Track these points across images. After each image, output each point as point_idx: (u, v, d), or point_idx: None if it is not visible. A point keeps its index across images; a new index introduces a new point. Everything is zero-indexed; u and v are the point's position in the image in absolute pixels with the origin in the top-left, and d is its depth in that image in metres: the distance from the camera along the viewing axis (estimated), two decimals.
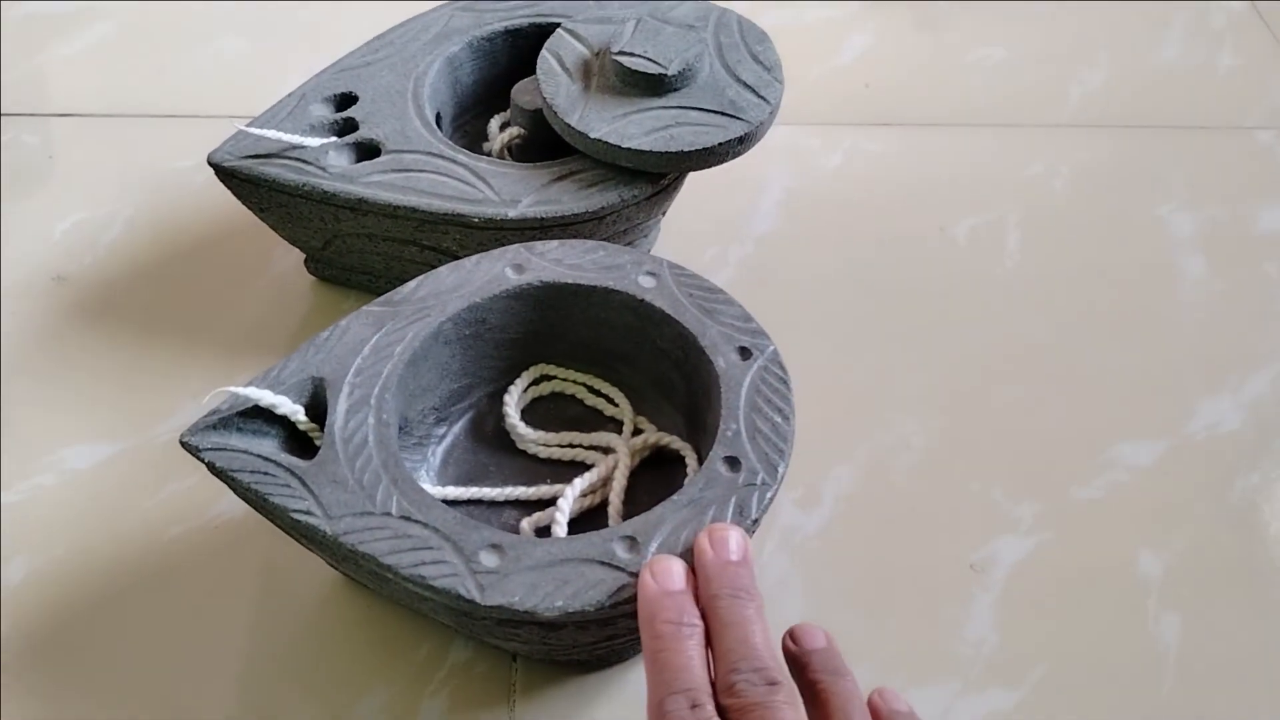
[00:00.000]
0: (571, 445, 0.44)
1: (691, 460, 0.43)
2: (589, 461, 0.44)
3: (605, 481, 0.43)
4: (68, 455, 0.49)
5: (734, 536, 0.35)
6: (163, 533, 0.46)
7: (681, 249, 0.57)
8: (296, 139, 0.48)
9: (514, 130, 0.52)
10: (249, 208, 0.51)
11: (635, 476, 0.43)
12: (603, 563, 0.35)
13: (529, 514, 0.42)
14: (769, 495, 0.37)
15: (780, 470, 0.38)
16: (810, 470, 0.48)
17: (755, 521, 0.37)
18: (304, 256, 0.55)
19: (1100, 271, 0.58)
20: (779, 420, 0.39)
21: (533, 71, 0.53)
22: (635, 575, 0.35)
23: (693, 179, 0.52)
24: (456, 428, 0.45)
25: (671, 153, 0.47)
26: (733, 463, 0.38)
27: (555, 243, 0.45)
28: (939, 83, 0.68)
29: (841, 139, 0.64)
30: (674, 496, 0.37)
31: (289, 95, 0.51)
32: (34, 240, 0.57)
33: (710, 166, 0.48)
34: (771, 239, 0.59)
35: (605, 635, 0.37)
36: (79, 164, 0.61)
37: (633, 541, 0.36)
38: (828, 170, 0.63)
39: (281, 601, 0.45)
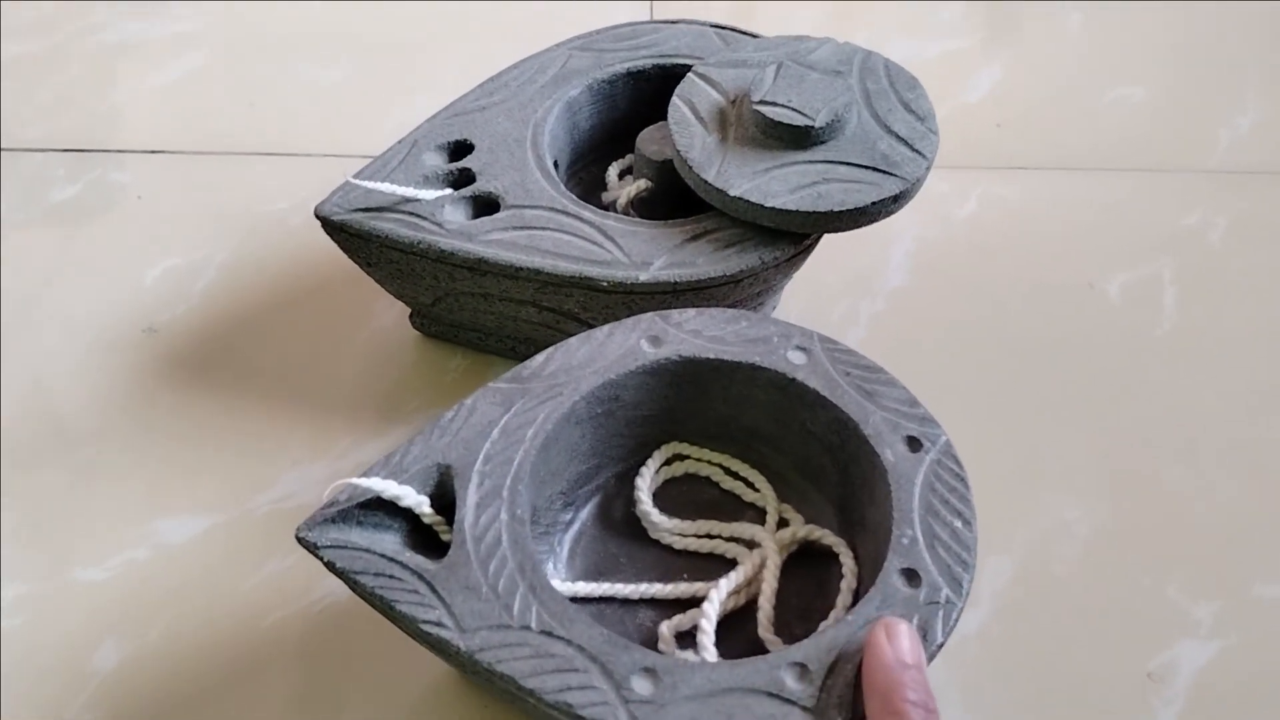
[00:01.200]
0: (710, 536, 0.40)
1: (847, 559, 0.38)
2: (728, 555, 0.40)
3: (750, 581, 0.39)
4: (161, 528, 0.46)
5: (911, 636, 0.32)
6: (262, 617, 0.43)
7: (809, 306, 0.53)
8: (410, 191, 0.45)
9: (641, 183, 0.48)
10: (355, 261, 0.48)
11: (781, 575, 0.39)
12: (771, 694, 0.31)
13: (666, 614, 0.38)
14: (954, 615, 0.33)
15: (965, 585, 0.34)
16: None
17: (940, 646, 0.33)
18: (409, 310, 0.51)
19: (1271, 331, 0.53)
20: (959, 526, 0.35)
21: (654, 116, 0.49)
22: (807, 710, 0.31)
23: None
24: (583, 514, 0.41)
25: (820, 213, 0.42)
26: (911, 576, 0.34)
27: (693, 312, 0.41)
28: (1076, 123, 0.63)
29: (974, 184, 0.60)
30: (847, 617, 0.33)
31: (400, 142, 0.48)
32: (124, 288, 0.54)
33: (860, 226, 0.44)
34: (904, 294, 0.54)
35: None
36: (169, 204, 0.58)
37: (804, 669, 0.32)
38: (961, 218, 0.58)
39: (390, 697, 0.41)
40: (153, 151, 0.61)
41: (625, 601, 0.39)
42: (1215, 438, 0.49)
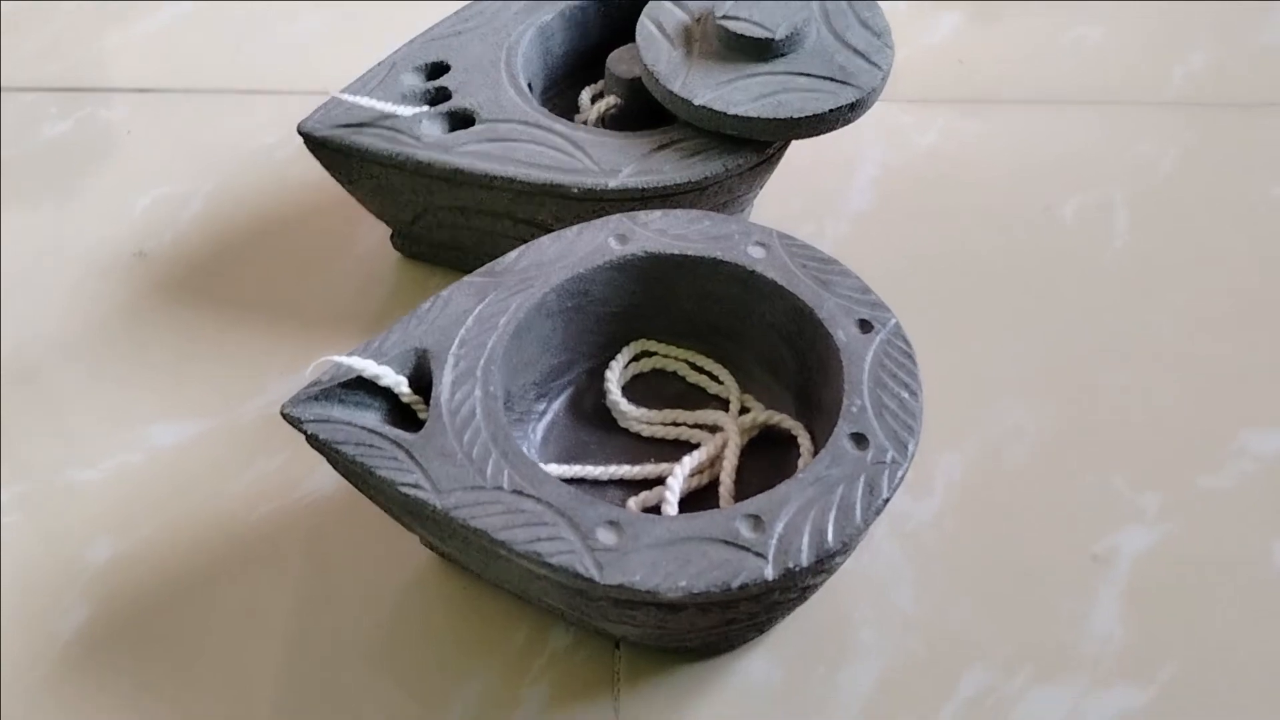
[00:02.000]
0: (676, 424, 0.43)
1: (805, 440, 0.41)
2: (694, 440, 0.42)
3: (714, 461, 0.41)
4: (153, 432, 0.48)
5: None
6: (250, 511, 0.45)
7: (776, 226, 0.55)
8: (390, 107, 0.47)
9: (610, 99, 0.50)
10: (337, 180, 0.50)
11: (742, 458, 0.41)
12: (727, 542, 0.34)
13: (634, 494, 0.41)
14: (900, 474, 0.35)
15: (910, 448, 0.36)
16: (918, 456, 0.46)
17: (886, 500, 0.35)
18: (390, 233, 0.53)
19: (1216, 253, 0.55)
20: (906, 396, 0.37)
21: (625, 44, 0.51)
22: (761, 554, 0.33)
23: (784, 156, 0.50)
24: (557, 404, 0.43)
25: (780, 119, 0.45)
26: (860, 440, 0.36)
27: (659, 212, 0.43)
28: (1035, 62, 0.65)
29: (935, 117, 0.62)
30: (799, 474, 0.35)
31: (378, 64, 0.50)
32: (114, 217, 0.56)
33: (820, 134, 0.46)
34: (868, 217, 0.57)
35: (725, 619, 0.35)
36: (158, 140, 0.60)
37: (757, 520, 0.34)
38: (923, 148, 0.60)
39: (373, 583, 0.43)
40: (142, 90, 0.63)
41: (595, 483, 0.41)
42: (1159, 347, 0.51)
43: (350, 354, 0.38)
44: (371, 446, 0.36)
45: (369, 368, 0.37)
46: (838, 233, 0.56)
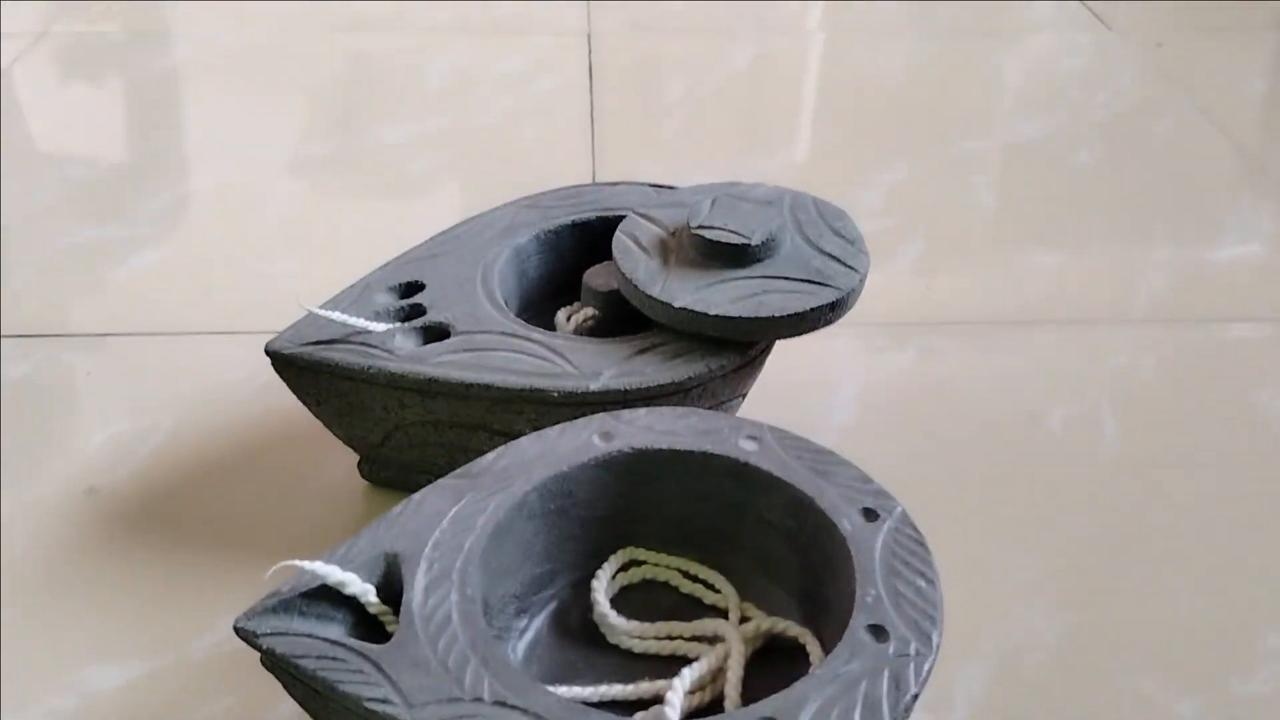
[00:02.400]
0: (672, 637, 0.39)
1: (814, 649, 0.37)
2: (693, 655, 0.38)
3: (715, 675, 0.37)
4: (88, 675, 0.43)
5: None
6: None
7: None
8: (362, 323, 0.46)
9: (587, 311, 0.49)
10: (304, 402, 0.48)
11: (745, 672, 0.37)
12: None
13: (629, 717, 0.36)
14: (926, 667, 0.32)
15: (934, 639, 0.33)
16: (934, 669, 0.42)
17: (914, 697, 0.31)
18: (357, 460, 0.51)
19: (1209, 458, 0.54)
20: (923, 584, 0.34)
21: (601, 262, 0.51)
22: None
23: (762, 379, 0.50)
24: (538, 621, 0.39)
25: (761, 319, 0.44)
26: (878, 631, 0.33)
27: (644, 410, 0.41)
28: (1000, 286, 0.67)
29: (910, 337, 0.62)
30: (817, 671, 0.32)
31: (350, 286, 0.49)
32: (67, 454, 0.53)
33: (801, 334, 0.45)
34: (855, 432, 0.55)
35: None
36: (120, 379, 0.58)
37: None
38: (902, 366, 0.60)
39: None
40: (105, 334, 0.62)
41: (586, 705, 0.37)
42: (1168, 550, 0.49)
43: (313, 560, 0.35)
44: (334, 659, 0.32)
45: (333, 574, 0.34)
46: (825, 443, 0.54)
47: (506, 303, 0.51)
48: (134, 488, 0.52)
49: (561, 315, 0.52)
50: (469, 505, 0.37)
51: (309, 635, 0.33)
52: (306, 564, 0.34)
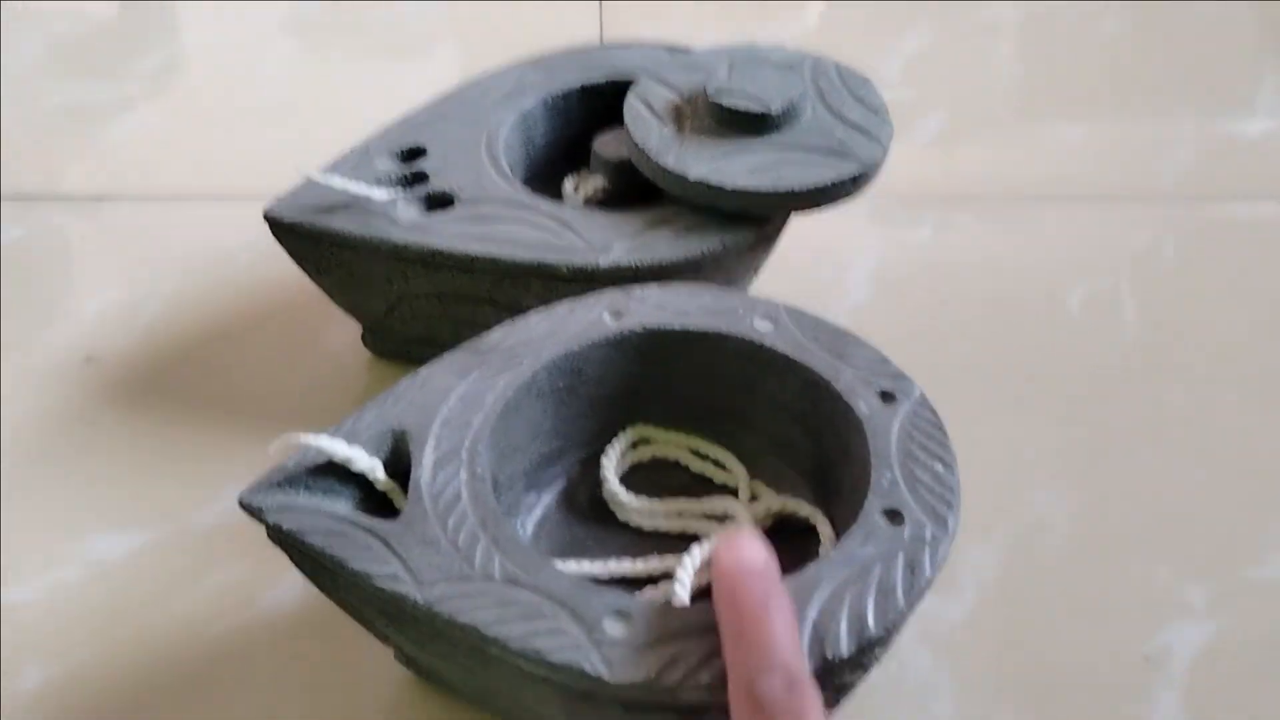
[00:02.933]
0: (681, 514, 0.38)
1: (825, 528, 0.37)
2: (702, 532, 0.38)
3: None
4: (94, 545, 0.43)
5: (754, 544, 0.30)
6: (203, 630, 0.40)
7: None
8: (363, 189, 0.44)
9: (596, 181, 0.47)
10: (306, 271, 0.46)
11: None
12: None
13: (638, 592, 0.36)
14: (942, 550, 0.31)
15: (951, 524, 0.32)
16: None
17: (930, 580, 0.31)
18: (361, 330, 0.50)
19: (1228, 342, 0.53)
20: (940, 469, 0.34)
21: (611, 129, 0.49)
22: None
23: (775, 252, 0.48)
24: (547, 497, 0.39)
25: (780, 192, 0.42)
26: (894, 515, 0.32)
27: (656, 287, 0.40)
28: (1020, 160, 0.64)
29: (926, 212, 0.60)
30: (830, 554, 0.31)
31: (351, 150, 0.47)
32: (64, 321, 0.52)
33: (820, 208, 0.43)
34: (869, 309, 0.54)
35: None
36: (115, 245, 0.57)
37: None
38: (918, 241, 0.58)
39: (344, 707, 0.38)
40: (99, 198, 0.60)
41: (595, 582, 0.36)
42: (1185, 435, 0.48)
43: (318, 434, 0.34)
44: (343, 536, 0.32)
45: (339, 450, 0.33)
46: (838, 320, 0.53)
47: (512, 169, 0.50)
48: (133, 357, 0.51)
49: (569, 184, 0.50)
50: (477, 383, 0.36)
51: (316, 510, 0.32)
52: (312, 439, 0.33)
